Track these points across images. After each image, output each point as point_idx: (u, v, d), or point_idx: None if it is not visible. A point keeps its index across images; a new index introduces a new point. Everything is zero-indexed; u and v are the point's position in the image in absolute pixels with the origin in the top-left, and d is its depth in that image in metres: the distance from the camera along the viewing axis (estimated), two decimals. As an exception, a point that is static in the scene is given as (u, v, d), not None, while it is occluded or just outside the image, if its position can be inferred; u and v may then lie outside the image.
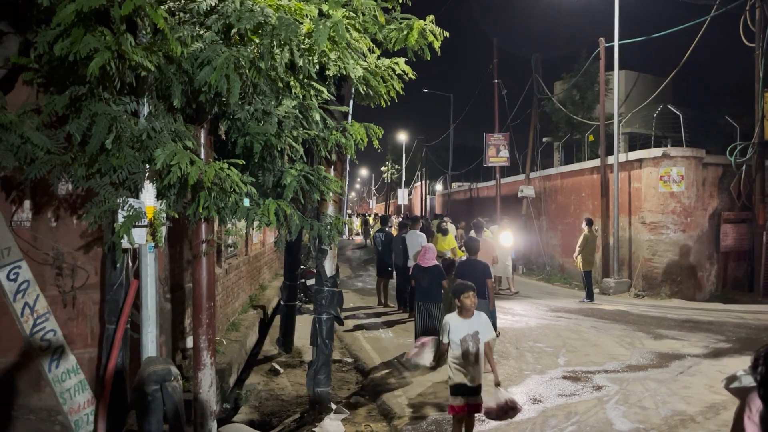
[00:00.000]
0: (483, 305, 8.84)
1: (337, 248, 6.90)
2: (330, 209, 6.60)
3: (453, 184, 41.82)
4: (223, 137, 5.57)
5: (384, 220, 17.30)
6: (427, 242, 12.96)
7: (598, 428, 6.64)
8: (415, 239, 13.40)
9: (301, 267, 11.36)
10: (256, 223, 5.54)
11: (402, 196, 49.35)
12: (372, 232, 31.73)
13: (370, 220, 44.20)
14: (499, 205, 27.42)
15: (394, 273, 14.64)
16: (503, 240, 16.89)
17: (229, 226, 5.95)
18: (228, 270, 10.10)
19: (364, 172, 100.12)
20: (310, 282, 10.87)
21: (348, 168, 7.04)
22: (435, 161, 45.92)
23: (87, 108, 4.38)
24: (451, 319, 5.92)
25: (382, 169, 76.91)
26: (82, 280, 5.93)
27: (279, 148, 5.53)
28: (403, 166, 55.22)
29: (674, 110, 20.00)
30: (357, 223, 45.27)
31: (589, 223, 16.24)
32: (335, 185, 5.88)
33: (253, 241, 13.60)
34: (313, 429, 6.73)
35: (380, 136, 6.06)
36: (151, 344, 5.05)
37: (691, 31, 18.07)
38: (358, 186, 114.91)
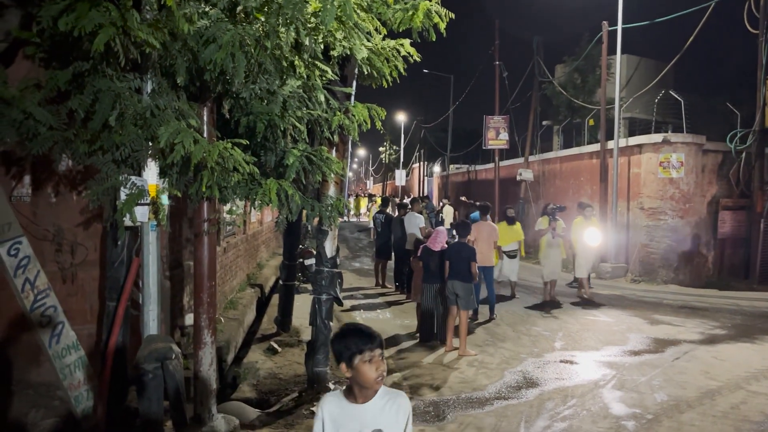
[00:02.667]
0: (469, 288, 8.89)
1: (337, 229, 6.89)
2: (331, 190, 6.58)
3: (451, 166, 41.54)
4: (227, 116, 5.54)
5: (384, 201, 17.25)
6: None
7: (595, 412, 6.69)
8: (414, 221, 13.37)
9: (300, 247, 11.27)
10: (257, 203, 5.53)
11: (400, 177, 49.38)
12: (371, 213, 31.66)
13: (364, 201, 44.26)
14: (497, 188, 27.39)
15: (393, 254, 14.61)
16: (589, 238, 13.18)
17: (229, 205, 5.93)
18: (226, 248, 10.11)
19: (362, 152, 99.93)
20: (309, 262, 10.77)
21: (350, 149, 7.00)
22: (433, 143, 45.56)
23: (90, 84, 4.34)
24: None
25: (380, 149, 75.24)
26: (81, 256, 5.91)
27: (282, 128, 5.50)
28: (402, 147, 55.10)
29: (676, 96, 19.94)
30: (352, 204, 44.49)
31: (581, 206, 16.30)
32: (337, 166, 5.86)
33: (251, 220, 13.55)
34: (312, 408, 6.76)
35: (383, 118, 6.03)
36: (152, 322, 5.06)
37: (694, 17, 17.98)
38: (355, 166, 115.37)
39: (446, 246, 9.30)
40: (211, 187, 4.89)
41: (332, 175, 6.07)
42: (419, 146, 49.76)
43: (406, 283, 13.58)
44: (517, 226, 12.95)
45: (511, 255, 12.97)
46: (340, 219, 6.68)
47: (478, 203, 13.38)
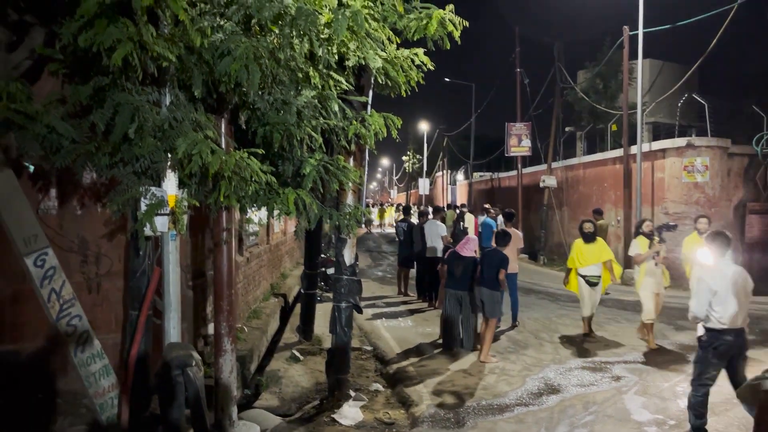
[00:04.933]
0: (495, 296, 8.88)
1: (356, 238, 6.96)
2: (349, 198, 6.65)
3: (474, 174, 41.28)
4: (244, 127, 5.65)
5: (406, 209, 17.27)
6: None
7: (616, 418, 6.64)
8: (435, 229, 13.38)
9: (322, 256, 11.35)
10: (276, 212, 5.62)
11: (423, 186, 49.31)
12: (394, 221, 31.39)
13: (390, 210, 43.62)
14: (520, 195, 27.29)
15: (415, 262, 14.62)
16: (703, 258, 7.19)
17: (249, 214, 6.04)
18: (249, 258, 10.25)
19: (385, 161, 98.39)
20: (330, 271, 10.92)
21: (367, 158, 7.08)
22: (456, 151, 45.03)
23: (110, 98, 4.47)
24: None
25: (404, 158, 75.31)
26: (106, 267, 6.06)
27: (298, 138, 5.59)
28: (425, 155, 55.18)
29: (699, 99, 19.73)
30: (375, 214, 43.64)
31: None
32: (354, 175, 5.93)
33: (274, 230, 13.61)
34: (333, 415, 6.82)
35: (399, 127, 6.10)
36: (173, 330, 5.16)
37: (717, 19, 17.77)
38: (379, 176, 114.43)
39: (474, 253, 9.29)
40: (228, 196, 4.99)
41: (350, 184, 6.15)
42: (442, 155, 49.42)
43: (429, 290, 13.61)
44: (600, 243, 10.38)
45: (592, 281, 10.30)
46: (364, 229, 6.78)
47: (505, 210, 13.22)
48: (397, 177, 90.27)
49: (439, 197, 51.82)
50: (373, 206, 47.36)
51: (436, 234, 13.26)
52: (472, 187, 41.02)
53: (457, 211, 22.53)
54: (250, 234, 10.14)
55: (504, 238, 9.44)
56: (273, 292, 12.28)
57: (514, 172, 30.02)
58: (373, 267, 20.80)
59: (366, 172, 7.11)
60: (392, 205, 48.36)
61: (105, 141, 4.65)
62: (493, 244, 9.54)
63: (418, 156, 64.36)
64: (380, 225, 43.63)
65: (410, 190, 67.83)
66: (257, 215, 7.71)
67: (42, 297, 5.58)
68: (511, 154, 27.57)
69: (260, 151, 5.37)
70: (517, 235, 11.43)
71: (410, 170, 69.10)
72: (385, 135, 6.03)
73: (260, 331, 9.32)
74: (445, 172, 49.10)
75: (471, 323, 9.44)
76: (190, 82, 4.68)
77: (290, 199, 5.57)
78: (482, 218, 17.82)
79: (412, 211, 18.21)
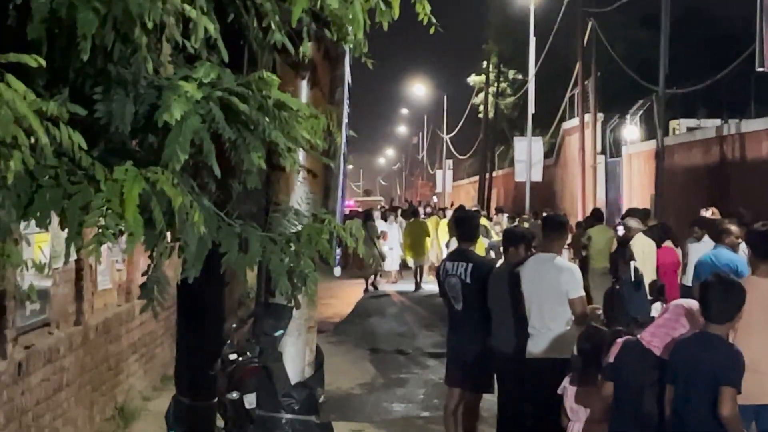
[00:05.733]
0: None
1: (315, 306, 3.23)
2: (298, 192, 3.01)
3: (675, 124, 18.52)
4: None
5: (462, 222, 6.60)
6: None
7: None
8: (554, 276, 5.04)
9: (223, 357, 3.84)
10: (89, 228, 2.20)
11: (529, 158, 22.77)
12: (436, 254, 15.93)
13: (434, 222, 17.57)
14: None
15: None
16: None
17: (22, 243, 2.45)
18: (24, 365, 4.65)
19: (417, 96, 49.43)
20: (249, 400, 3.58)
21: (349, 80, 3.28)
22: (621, 61, 18.58)
23: None
24: None
25: (470, 81, 36.11)
26: None
27: (149, 22, 2.06)
28: (530, 73, 23.50)
29: None
30: (395, 235, 17.44)
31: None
32: (308, 127, 2.43)
33: (99, 286, 6.27)
34: None
35: None
36: None
37: None
38: (410, 136, 65.60)
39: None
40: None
41: (297, 154, 2.64)
42: (580, 72, 20.94)
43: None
44: None
45: None
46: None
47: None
48: (451, 134, 43.51)
49: (573, 185, 22.24)
50: (386, 214, 19.11)
51: (558, 291, 5.03)
52: (672, 156, 16.06)
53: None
54: (27, 294, 4.28)
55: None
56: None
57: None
58: (390, 387, 8.57)
59: (346, 116, 3.30)
60: (442, 211, 20.73)
61: None
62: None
63: (512, 71, 31.03)
64: (419, 272, 16.68)
65: (489, 172, 30.34)
66: (44, 245, 3.48)
67: None
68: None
69: (32, 59, 1.90)
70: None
71: (493, 114, 30.48)
72: (397, 13, 2.53)
73: None
74: (592, 116, 20.65)
75: None
76: None
77: (130, 194, 2.10)
78: (693, 244, 8.06)
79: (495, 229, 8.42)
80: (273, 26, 2.35)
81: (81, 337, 5.73)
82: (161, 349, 8.13)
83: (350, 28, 2.52)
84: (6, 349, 4.32)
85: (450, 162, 43.31)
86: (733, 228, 6.94)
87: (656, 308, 4.85)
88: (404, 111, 60.54)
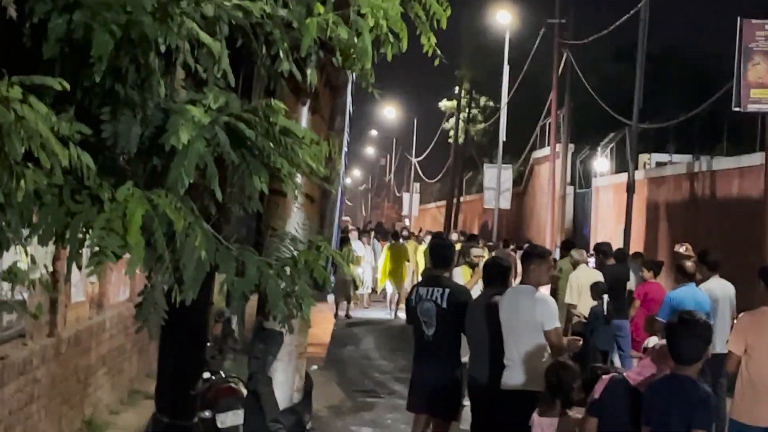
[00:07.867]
0: None
1: (306, 335, 3.26)
2: (294, 218, 3.01)
3: (644, 157, 18.62)
4: (16, 17, 2.07)
5: (438, 251, 6.37)
6: None
7: None
8: (530, 307, 5.01)
9: (205, 377, 4.84)
10: (93, 251, 2.12)
11: (500, 180, 22.89)
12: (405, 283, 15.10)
13: (413, 246, 16.98)
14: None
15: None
16: None
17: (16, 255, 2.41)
18: (0, 376, 4.68)
19: (387, 118, 49.09)
20: (221, 419, 4.75)
21: (349, 106, 3.33)
22: (593, 90, 18.68)
23: None
24: None
25: (441, 105, 36.31)
26: None
27: (161, 48, 2.06)
28: (503, 101, 24.13)
29: None
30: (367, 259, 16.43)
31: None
32: (311, 154, 2.42)
33: (72, 299, 6.13)
34: None
35: (446, 14, 2.57)
36: None
37: None
38: (378, 157, 65.56)
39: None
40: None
41: (297, 179, 2.64)
42: (554, 98, 20.80)
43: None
44: None
45: None
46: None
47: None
48: (418, 158, 44.13)
49: (541, 214, 22.62)
50: (363, 235, 18.28)
51: (534, 324, 4.97)
52: (635, 192, 14.92)
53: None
54: (11, 306, 3.96)
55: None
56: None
57: (755, 157, 12.64)
58: (358, 411, 8.44)
59: (345, 145, 3.36)
60: (416, 236, 20.07)
61: None
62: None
63: (483, 97, 31.86)
64: (392, 299, 16.17)
65: (458, 197, 29.58)
66: (25, 256, 3.29)
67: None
68: (751, 110, 11.98)
69: (56, 82, 1.91)
70: None
71: (461, 139, 29.98)
72: (406, 43, 2.54)
73: None
74: (564, 146, 20.82)
75: None
76: None
77: (134, 216, 2.06)
78: (681, 288, 6.99)
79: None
80: (281, 54, 2.37)
81: (54, 350, 5.65)
82: (128, 363, 8.04)
83: (358, 59, 2.53)
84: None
85: (417, 185, 43.54)
86: (688, 264, 7.09)
87: (653, 341, 4.90)
88: (373, 132, 59.80)
